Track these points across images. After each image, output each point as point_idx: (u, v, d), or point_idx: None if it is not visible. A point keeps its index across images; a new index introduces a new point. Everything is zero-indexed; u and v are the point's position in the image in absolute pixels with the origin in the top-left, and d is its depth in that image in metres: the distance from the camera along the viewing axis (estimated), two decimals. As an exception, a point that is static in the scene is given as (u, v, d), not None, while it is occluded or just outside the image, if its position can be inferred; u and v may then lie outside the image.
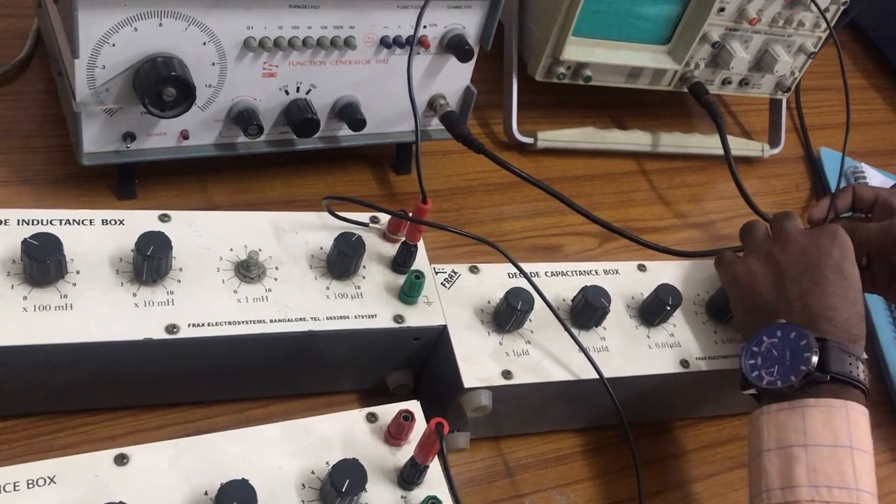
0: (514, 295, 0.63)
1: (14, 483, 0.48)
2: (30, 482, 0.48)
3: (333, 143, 0.76)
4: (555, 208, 0.87)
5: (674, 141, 0.99)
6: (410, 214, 0.63)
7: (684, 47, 0.91)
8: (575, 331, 0.66)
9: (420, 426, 0.57)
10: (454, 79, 0.77)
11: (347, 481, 0.51)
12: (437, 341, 0.64)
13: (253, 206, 0.77)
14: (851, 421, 0.58)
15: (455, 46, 0.73)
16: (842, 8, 0.93)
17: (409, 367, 0.67)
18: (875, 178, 1.05)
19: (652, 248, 0.81)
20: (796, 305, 0.63)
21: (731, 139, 0.99)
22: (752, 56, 0.94)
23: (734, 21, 0.90)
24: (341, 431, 0.56)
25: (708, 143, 0.99)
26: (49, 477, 0.49)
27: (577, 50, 0.87)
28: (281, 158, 0.80)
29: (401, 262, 0.64)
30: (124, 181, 0.73)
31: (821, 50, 1.11)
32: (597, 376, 0.64)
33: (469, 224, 0.84)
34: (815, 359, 0.59)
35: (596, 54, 0.88)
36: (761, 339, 0.63)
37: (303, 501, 0.52)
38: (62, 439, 0.61)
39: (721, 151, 0.93)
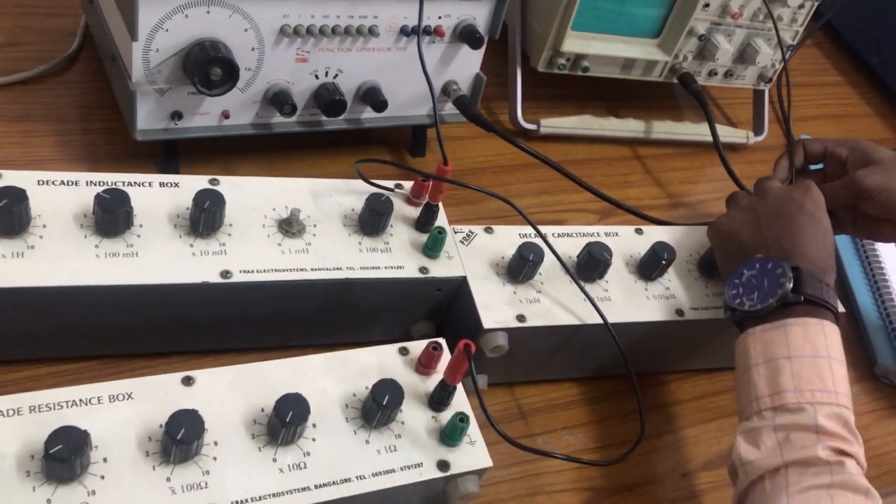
0: (526, 248, 0.70)
1: (98, 397, 0.55)
2: (111, 397, 0.55)
3: (357, 124, 0.84)
4: (557, 187, 0.95)
5: (665, 129, 1.07)
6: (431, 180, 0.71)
7: (673, 40, 0.99)
8: (580, 283, 0.74)
9: (446, 357, 0.64)
10: (465, 66, 0.85)
11: (387, 396, 0.58)
12: (457, 292, 0.71)
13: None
14: (827, 335, 0.65)
15: (467, 35, 0.81)
16: (815, 4, 1.02)
17: (431, 318, 0.74)
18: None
19: (648, 219, 0.89)
20: (773, 245, 0.71)
21: (717, 127, 1.08)
22: (735, 48, 1.03)
23: (718, 16, 0.99)
24: (377, 362, 0.63)
25: (697, 131, 1.07)
26: (126, 393, 0.56)
27: (575, 42, 0.95)
28: (307, 141, 0.87)
29: (424, 221, 0.72)
30: (169, 157, 0.80)
31: (799, 47, 1.20)
32: (601, 321, 0.71)
33: (479, 201, 0.92)
34: (789, 284, 0.67)
35: (593, 46, 0.96)
36: (741, 273, 0.70)
37: (346, 418, 0.59)
38: (124, 377, 0.67)
39: (709, 139, 1.01)
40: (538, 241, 0.73)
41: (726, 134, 1.10)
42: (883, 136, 1.28)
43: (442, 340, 0.64)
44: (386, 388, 0.58)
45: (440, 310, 0.73)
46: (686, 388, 0.84)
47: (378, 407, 0.57)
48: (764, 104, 1.14)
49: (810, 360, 0.64)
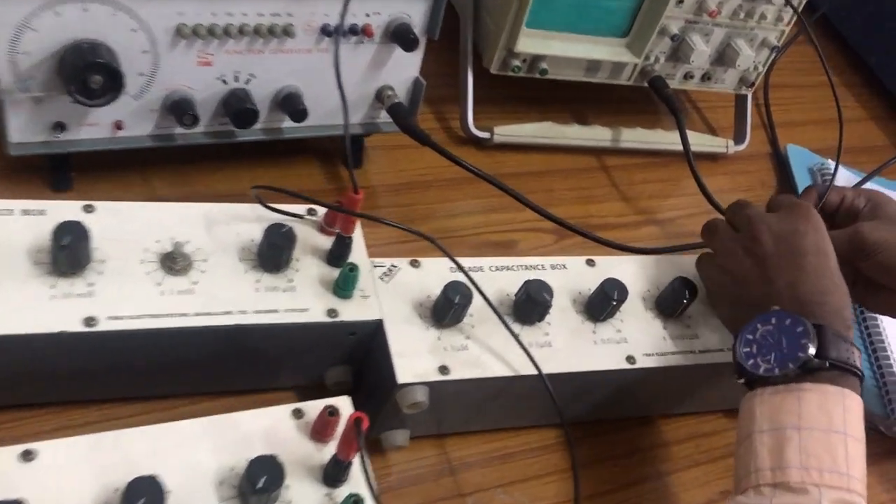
0: (451, 288, 0.61)
1: None
2: (-73, 480, 0.46)
3: (276, 134, 0.75)
4: (509, 204, 0.85)
5: (635, 136, 0.97)
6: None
7: (643, 40, 0.89)
8: (517, 326, 0.64)
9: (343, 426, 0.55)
10: (402, 69, 0.75)
11: (264, 478, 0.49)
12: (373, 336, 0.62)
13: (197, 199, 0.75)
14: (847, 407, 0.57)
15: (400, 36, 0.71)
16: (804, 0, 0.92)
17: (347, 363, 0.65)
18: (841, 175, 1.03)
19: (606, 244, 0.80)
20: (786, 294, 0.62)
21: (694, 135, 0.98)
22: (713, 50, 0.93)
23: (693, 13, 0.89)
24: (266, 428, 0.54)
25: (670, 139, 0.97)
26: (-52, 474, 0.47)
27: (531, 42, 0.85)
28: (227, 151, 0.78)
29: (336, 255, 0.62)
30: (58, 172, 0.71)
31: (790, 46, 1.10)
32: (536, 372, 0.62)
33: (421, 220, 0.83)
34: (812, 348, 0.58)
35: (552, 47, 0.86)
36: (755, 327, 0.61)
37: (221, 499, 0.50)
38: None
39: (682, 148, 0.91)
40: (472, 274, 0.63)
41: (703, 143, 1.00)
42: (879, 143, 1.18)
43: (343, 403, 0.55)
44: (262, 468, 0.49)
45: (357, 354, 0.64)
46: (644, 434, 0.75)
47: (252, 490, 0.48)
48: (746, 110, 1.04)
49: (823, 434, 0.56)
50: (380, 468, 0.65)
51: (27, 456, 0.48)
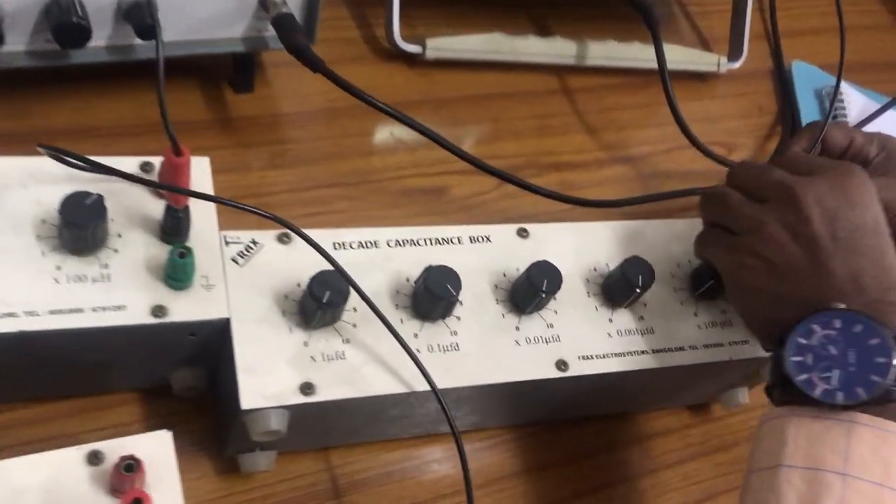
0: (320, 282, 0.46)
1: None
2: None
3: (126, 54, 0.58)
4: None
5: (606, 52, 0.79)
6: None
7: (617, -69, 0.71)
8: (417, 323, 0.50)
9: (160, 468, 0.41)
10: (294, -33, 0.58)
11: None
12: (221, 337, 0.47)
13: (31, 136, 0.59)
14: None
15: (281, -75, 0.54)
16: None
17: (197, 363, 0.51)
18: (856, 100, 0.86)
19: (553, 197, 0.64)
20: (850, 290, 0.47)
21: (679, 49, 0.81)
22: (706, -56, 0.74)
23: None
24: (47, 479, 0.40)
25: (649, 55, 0.79)
26: None
27: (472, -68, 0.67)
28: (76, 74, 0.61)
29: (170, 232, 0.47)
30: None
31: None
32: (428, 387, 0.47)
33: (329, 159, 0.67)
34: (894, 370, 0.44)
35: (499, -62, 0.68)
36: (810, 329, 0.46)
37: (-35, 590, 0.37)
38: None
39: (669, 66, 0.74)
40: (363, 253, 0.49)
41: (690, 59, 0.83)
42: (902, 58, 1.00)
43: (159, 443, 0.42)
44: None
45: (208, 351, 0.50)
46: (603, 433, 0.62)
47: None
48: (745, 17, 0.85)
49: (874, 488, 0.42)
50: (239, 492, 0.52)
51: None
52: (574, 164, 0.74)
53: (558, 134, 0.76)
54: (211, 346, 0.49)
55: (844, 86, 0.85)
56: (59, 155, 0.43)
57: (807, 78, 0.88)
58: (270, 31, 0.61)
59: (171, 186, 0.45)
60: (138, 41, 0.57)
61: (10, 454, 0.41)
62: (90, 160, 0.44)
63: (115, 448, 0.41)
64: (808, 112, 0.85)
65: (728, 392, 0.63)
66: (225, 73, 0.66)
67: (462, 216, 0.67)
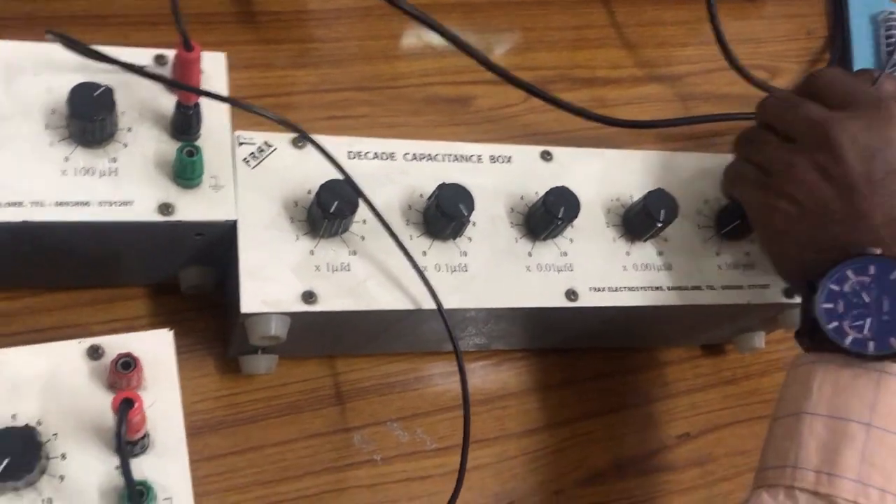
0: (329, 190, 0.45)
1: None
2: None
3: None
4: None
5: (652, -38, 0.75)
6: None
7: None
8: (426, 240, 0.49)
9: (160, 367, 0.41)
10: None
11: (5, 461, 0.36)
12: (227, 239, 0.47)
13: (49, 21, 0.57)
14: None
15: None
16: None
17: (205, 263, 0.50)
18: (914, 32, 0.81)
19: (582, 114, 0.62)
20: (886, 234, 0.45)
21: (728, -36, 0.76)
22: None
23: None
24: (47, 370, 0.41)
25: (697, -31, 0.75)
26: None
27: None
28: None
29: (180, 129, 0.46)
30: None
31: None
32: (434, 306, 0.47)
33: (352, 61, 0.65)
34: None
35: None
36: (844, 275, 0.45)
37: (-35, 474, 0.38)
38: None
39: (711, -20, 0.70)
40: (378, 164, 0.48)
41: (740, -24, 0.78)
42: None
43: (160, 341, 0.42)
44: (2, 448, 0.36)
45: (216, 252, 0.49)
46: (613, 360, 0.62)
47: (-12, 479, 0.36)
48: (805, -66, 0.80)
49: None
50: (242, 392, 0.53)
51: None
52: (608, 79, 0.72)
53: (594, 47, 0.73)
54: (218, 246, 0.48)
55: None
56: (66, 43, 0.42)
57: (863, 1, 0.83)
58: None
59: (176, 82, 0.44)
60: (159, -77, 0.54)
61: (19, 341, 0.41)
62: (94, 50, 0.42)
63: (115, 343, 0.41)
64: (861, 39, 0.81)
65: (744, 336, 0.62)
66: (249, -41, 0.64)
67: (485, 128, 0.65)
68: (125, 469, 0.36)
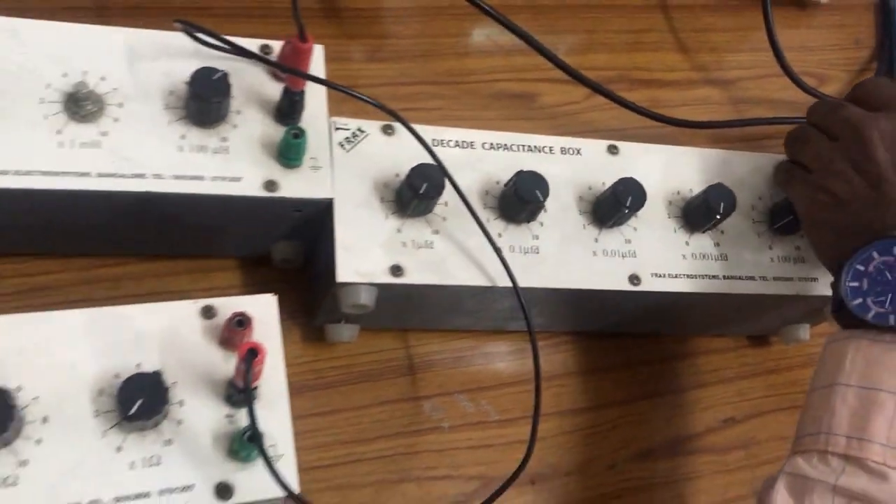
0: (419, 173, 0.49)
1: None
2: None
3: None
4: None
5: (709, -29, 0.79)
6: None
7: None
8: (502, 224, 0.53)
9: (265, 328, 0.45)
10: None
11: (139, 402, 0.40)
12: (322, 216, 0.51)
13: (155, 15, 0.62)
14: None
15: None
16: None
17: (297, 238, 0.55)
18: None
19: (643, 113, 0.66)
20: None
21: (782, -25, 0.80)
22: None
23: None
24: (166, 327, 0.45)
25: (752, -22, 0.79)
26: None
27: None
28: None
29: (284, 113, 0.50)
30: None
31: None
32: (510, 284, 0.51)
33: (426, 57, 0.69)
34: None
35: None
36: (870, 256, 0.49)
37: (96, 412, 0.42)
38: None
39: (766, -9, 0.73)
40: (459, 151, 0.52)
41: (793, -14, 0.82)
42: None
43: (267, 304, 0.46)
44: (138, 389, 0.40)
45: (309, 229, 0.54)
46: (661, 346, 0.65)
47: (123, 414, 0.40)
48: (857, -52, 0.83)
49: None
50: (324, 359, 0.57)
51: None
52: (664, 81, 0.75)
53: (651, 50, 0.77)
54: (312, 223, 0.52)
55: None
56: (194, 30, 0.47)
57: (912, 14, 0.86)
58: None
59: (298, 71, 0.48)
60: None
61: (125, 304, 0.45)
62: (227, 39, 0.47)
63: (226, 305, 0.46)
64: (908, 50, 0.84)
65: (790, 328, 0.65)
66: (336, -41, 0.68)
67: (549, 123, 0.69)
68: (250, 411, 0.40)
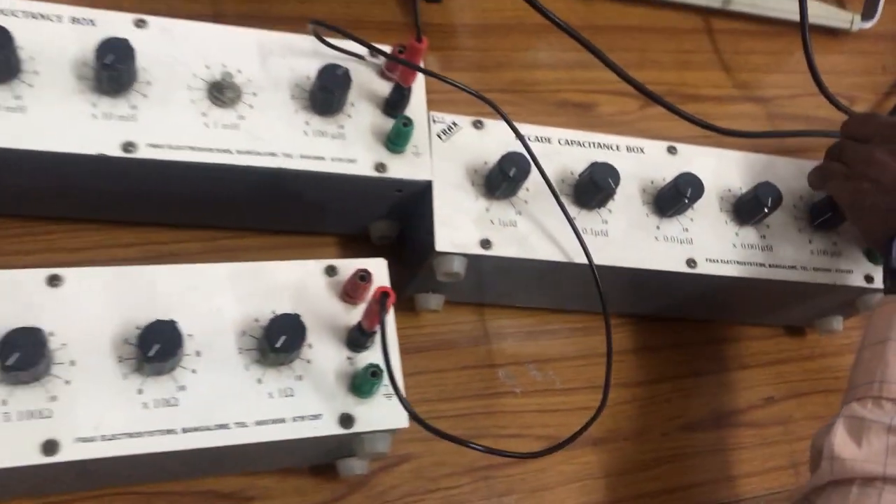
0: (508, 160, 0.57)
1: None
2: (-44, 290, 0.46)
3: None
4: (595, 62, 0.78)
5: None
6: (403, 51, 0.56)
7: None
8: (575, 209, 0.60)
9: (375, 286, 0.53)
10: None
11: (283, 338, 0.48)
12: (420, 196, 0.59)
13: (260, 22, 0.70)
14: None
15: None
16: None
17: (393, 218, 0.62)
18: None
19: (692, 121, 0.73)
20: None
21: (815, 5, 0.88)
22: None
23: None
24: (295, 281, 0.52)
25: (787, 7, 0.87)
26: (-24, 288, 0.47)
27: None
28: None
29: (392, 106, 0.58)
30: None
31: None
32: (585, 262, 0.58)
33: (497, 68, 0.77)
34: None
35: None
36: None
37: (240, 349, 0.49)
38: (25, 244, 0.59)
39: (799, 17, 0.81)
40: (539, 145, 0.59)
41: (824, 14, 0.89)
42: None
43: (379, 267, 0.53)
44: (283, 327, 0.48)
45: (404, 210, 0.61)
46: (708, 329, 0.72)
47: (270, 348, 0.48)
48: (884, -18, 0.91)
49: None
50: (412, 327, 0.64)
51: (54, 281, 0.48)
52: (710, 97, 0.83)
53: (698, 69, 0.84)
54: (407, 204, 0.60)
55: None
56: (326, 27, 0.55)
57: (935, 44, 0.94)
58: (468, -51, 0.71)
59: (421, 67, 0.56)
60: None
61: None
62: (355, 37, 0.55)
63: (345, 265, 0.53)
64: (931, 76, 0.92)
65: (825, 318, 0.72)
66: (419, -19, 0.77)
67: (607, 130, 0.75)
68: (384, 344, 0.48)
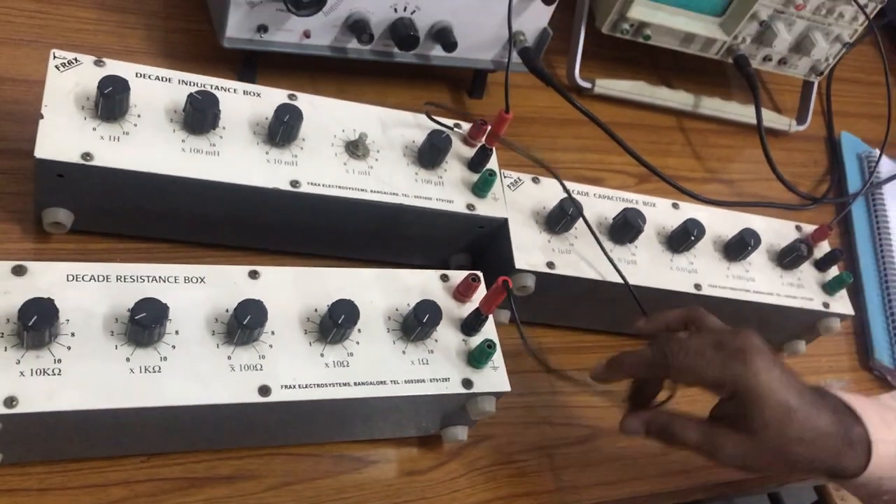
0: (567, 202, 0.76)
1: (175, 277, 0.62)
2: (186, 278, 0.62)
3: (425, 60, 0.89)
4: (601, 147, 1.00)
5: (713, 105, 1.11)
6: (489, 126, 0.76)
7: (735, 21, 1.03)
8: (610, 245, 0.80)
9: (482, 289, 0.70)
10: (535, 19, 0.90)
11: (428, 315, 0.64)
12: (497, 231, 0.77)
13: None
14: None
15: (543, -9, 0.86)
16: (879, 6, 1.05)
17: (469, 251, 0.81)
18: (885, 165, 1.17)
19: (683, 191, 0.95)
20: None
21: (764, 111, 1.12)
22: (793, 38, 1.06)
23: (783, 4, 1.02)
24: (420, 284, 0.69)
25: (742, 112, 1.12)
26: (199, 277, 0.63)
27: (642, 10, 0.99)
28: (375, 69, 0.92)
29: (477, 162, 0.77)
30: (248, 67, 0.86)
31: (856, 44, 1.23)
32: (622, 281, 0.77)
33: (538, 150, 0.97)
34: None
35: (658, 17, 1.00)
36: None
37: (388, 329, 0.66)
38: (191, 262, 0.74)
39: (753, 121, 1.05)
40: (580, 198, 0.79)
41: (770, 119, 1.14)
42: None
43: (480, 274, 0.71)
44: (427, 308, 0.65)
45: (479, 245, 0.79)
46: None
47: (418, 323, 0.64)
48: (811, 95, 1.17)
49: None
50: (484, 338, 0.81)
51: (254, 275, 0.64)
52: (687, 177, 1.05)
53: (676, 156, 1.07)
54: (484, 239, 0.78)
55: (877, 152, 1.17)
56: (437, 106, 0.74)
57: (851, 144, 1.20)
58: (513, 57, 0.92)
59: (509, 142, 0.76)
60: (435, 52, 0.88)
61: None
62: (461, 112, 0.75)
63: (454, 274, 0.71)
64: (852, 168, 1.17)
65: (791, 342, 0.92)
66: (465, 83, 0.98)
67: (614, 199, 0.97)
68: (513, 313, 0.65)
